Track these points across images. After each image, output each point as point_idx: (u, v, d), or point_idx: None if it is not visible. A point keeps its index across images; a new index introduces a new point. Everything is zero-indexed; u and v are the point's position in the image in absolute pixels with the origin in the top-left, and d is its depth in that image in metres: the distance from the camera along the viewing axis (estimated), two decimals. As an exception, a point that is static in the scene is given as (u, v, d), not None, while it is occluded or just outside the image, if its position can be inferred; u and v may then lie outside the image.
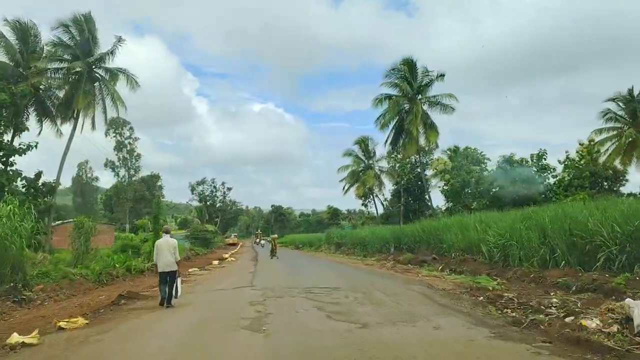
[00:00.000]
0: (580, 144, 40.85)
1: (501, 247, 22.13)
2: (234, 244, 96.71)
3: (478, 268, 21.81)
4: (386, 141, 47.39)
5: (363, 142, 58.59)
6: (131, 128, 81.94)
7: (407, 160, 55.37)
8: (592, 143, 40.23)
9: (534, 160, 39.89)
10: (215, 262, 36.34)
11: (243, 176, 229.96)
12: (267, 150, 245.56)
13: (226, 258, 44.74)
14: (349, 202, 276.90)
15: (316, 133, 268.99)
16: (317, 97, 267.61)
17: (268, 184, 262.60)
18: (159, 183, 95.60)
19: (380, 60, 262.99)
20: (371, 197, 76.57)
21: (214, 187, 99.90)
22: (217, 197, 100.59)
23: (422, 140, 44.69)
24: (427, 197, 70.94)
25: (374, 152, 59.70)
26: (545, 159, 39.48)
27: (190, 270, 27.64)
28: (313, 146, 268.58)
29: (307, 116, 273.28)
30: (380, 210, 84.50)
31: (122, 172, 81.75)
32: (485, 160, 44.42)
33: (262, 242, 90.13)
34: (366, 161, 59.68)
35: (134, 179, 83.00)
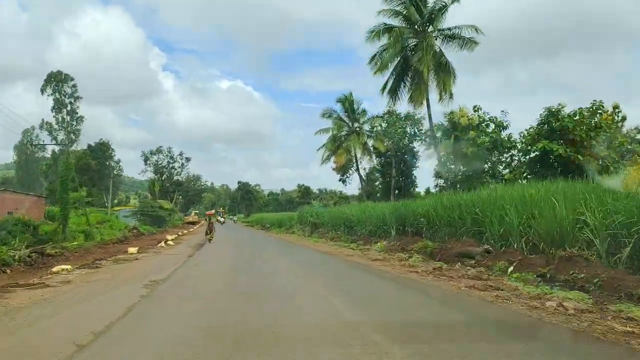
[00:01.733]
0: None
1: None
2: (193, 223, 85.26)
3: (612, 277, 10.87)
4: (384, 88, 36.03)
5: (347, 101, 46.56)
6: (74, 85, 68.97)
7: (405, 117, 44.36)
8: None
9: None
10: (160, 245, 25.51)
11: (212, 154, 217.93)
12: (237, 128, 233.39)
13: (167, 240, 33.56)
14: (321, 181, 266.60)
15: (288, 113, 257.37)
16: (289, 76, 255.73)
17: (238, 162, 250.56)
18: (110, 153, 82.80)
19: (356, 39, 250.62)
20: (351, 170, 65.80)
21: (171, 157, 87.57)
22: (175, 169, 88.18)
23: (433, 88, 33.38)
24: (413, 174, 60.84)
25: (360, 113, 47.78)
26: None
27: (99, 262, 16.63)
28: (284, 126, 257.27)
29: (278, 95, 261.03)
30: (358, 187, 74.21)
31: (61, 136, 68.72)
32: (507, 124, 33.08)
33: (221, 219, 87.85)
34: (350, 124, 47.89)
35: (76, 145, 70.13)
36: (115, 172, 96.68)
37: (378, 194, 64.98)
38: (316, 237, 37.15)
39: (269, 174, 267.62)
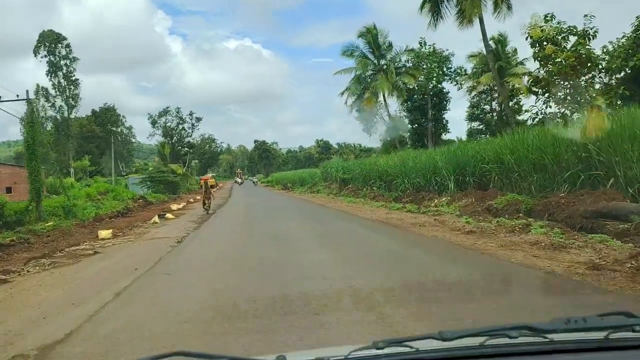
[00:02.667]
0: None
1: None
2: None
3: None
4: (423, 4, 29.00)
5: (370, 34, 38.94)
6: (68, 45, 62.52)
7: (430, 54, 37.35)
8: None
9: None
10: (153, 221, 19.65)
11: (227, 116, 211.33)
12: (250, 88, 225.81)
13: (169, 211, 28.09)
14: (340, 135, 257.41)
15: (299, 69, 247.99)
16: (298, 31, 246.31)
17: (253, 123, 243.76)
18: (116, 118, 76.81)
19: None
20: (376, 118, 59.25)
21: (180, 118, 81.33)
22: (185, 131, 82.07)
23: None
24: (445, 119, 54.22)
25: (386, 48, 40.32)
26: None
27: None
28: (297, 83, 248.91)
29: (288, 52, 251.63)
30: (380, 138, 67.71)
31: (60, 102, 62.82)
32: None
33: (239, 180, 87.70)
34: (376, 61, 40.77)
35: (76, 111, 64.22)
36: (124, 139, 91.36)
37: (408, 143, 58.62)
38: (348, 196, 31.19)
39: (286, 132, 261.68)
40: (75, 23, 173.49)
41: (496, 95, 51.79)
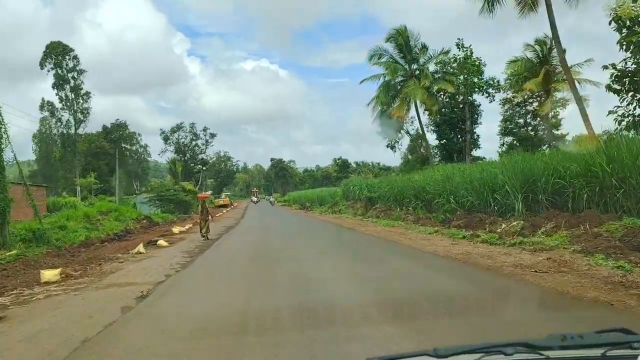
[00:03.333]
0: None
1: None
2: (224, 206, 75.79)
3: None
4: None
5: (400, 37, 34.21)
6: (76, 57, 59.16)
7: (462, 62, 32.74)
8: None
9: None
10: (138, 249, 15.22)
11: (244, 136, 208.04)
12: (267, 108, 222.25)
13: (175, 234, 24.00)
14: (357, 154, 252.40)
15: (315, 89, 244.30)
16: (314, 52, 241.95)
17: (270, 142, 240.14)
18: (126, 133, 73.13)
19: (380, 9, 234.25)
20: (401, 133, 54.89)
21: (194, 134, 77.38)
22: (199, 147, 77.98)
23: None
24: (476, 133, 49.78)
25: (419, 51, 35.55)
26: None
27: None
28: (313, 102, 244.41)
29: (304, 72, 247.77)
30: (403, 153, 63.21)
31: (66, 117, 59.28)
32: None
33: (255, 198, 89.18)
34: (407, 66, 36.19)
35: (84, 126, 60.57)
36: (139, 157, 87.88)
37: (437, 159, 54.12)
38: (380, 218, 26.68)
39: (303, 152, 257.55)
40: (95, 45, 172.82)
41: (536, 105, 47.29)
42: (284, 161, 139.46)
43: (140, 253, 14.58)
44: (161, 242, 17.94)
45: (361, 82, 35.34)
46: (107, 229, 30.12)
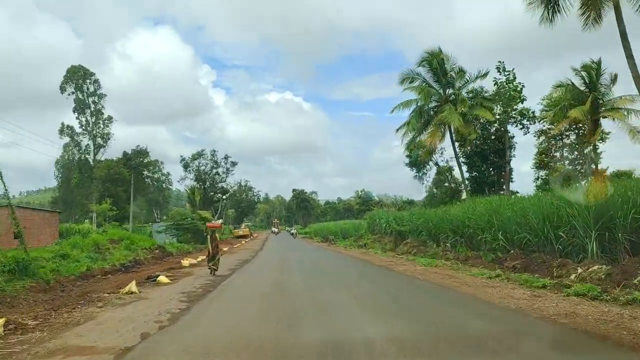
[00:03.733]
0: None
1: None
2: (244, 236, 73.23)
3: None
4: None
5: (435, 60, 31.36)
6: (96, 81, 57.98)
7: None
8: None
9: None
10: (129, 287, 12.58)
11: (267, 167, 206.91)
12: (290, 140, 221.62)
13: (183, 267, 21.52)
14: (378, 187, 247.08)
15: (339, 122, 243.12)
16: (337, 85, 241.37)
17: (293, 174, 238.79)
18: (149, 162, 71.51)
19: (402, 43, 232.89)
20: (429, 165, 52.39)
21: (215, 161, 75.31)
22: (219, 175, 75.68)
23: None
24: (510, 166, 46.85)
25: (456, 75, 32.56)
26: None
27: None
28: (336, 135, 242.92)
29: (328, 105, 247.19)
30: (430, 186, 60.10)
31: (86, 141, 57.78)
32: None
33: (275, 229, 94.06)
34: (442, 91, 33.35)
35: (103, 151, 58.99)
36: (160, 185, 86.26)
37: (468, 190, 51.07)
38: (414, 254, 23.74)
39: (325, 184, 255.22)
40: (123, 75, 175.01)
41: (574, 137, 44.26)
42: (306, 192, 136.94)
43: (131, 293, 11.89)
44: (162, 278, 15.23)
45: (392, 111, 32.70)
46: (115, 259, 27.69)
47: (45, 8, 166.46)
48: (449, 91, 32.00)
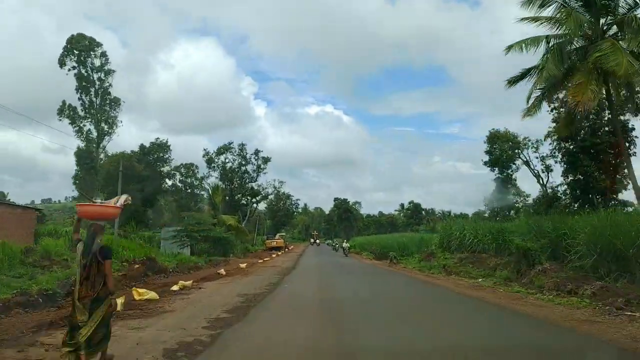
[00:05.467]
0: None
1: None
2: (277, 248, 61.41)
3: None
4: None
5: None
6: (104, 54, 47.39)
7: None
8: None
9: None
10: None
11: (305, 180, 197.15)
12: (329, 153, 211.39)
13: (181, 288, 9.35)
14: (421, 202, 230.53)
15: (379, 137, 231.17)
16: (378, 99, 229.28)
17: (331, 187, 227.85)
18: (169, 157, 60.45)
19: (445, 58, 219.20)
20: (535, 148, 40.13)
21: (244, 157, 63.06)
22: (249, 174, 63.21)
23: None
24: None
25: None
26: None
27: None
28: (377, 150, 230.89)
29: (369, 119, 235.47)
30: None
31: (88, 126, 47.10)
32: None
33: (317, 241, 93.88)
34: (593, 18, 19.29)
35: (109, 139, 48.11)
36: (191, 188, 75.41)
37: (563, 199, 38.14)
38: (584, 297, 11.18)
39: (364, 198, 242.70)
40: (165, 85, 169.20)
41: None
42: (349, 202, 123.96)
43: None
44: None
45: (507, 50, 19.61)
46: (50, 279, 16.42)
47: (91, 17, 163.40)
48: (609, 18, 19.14)
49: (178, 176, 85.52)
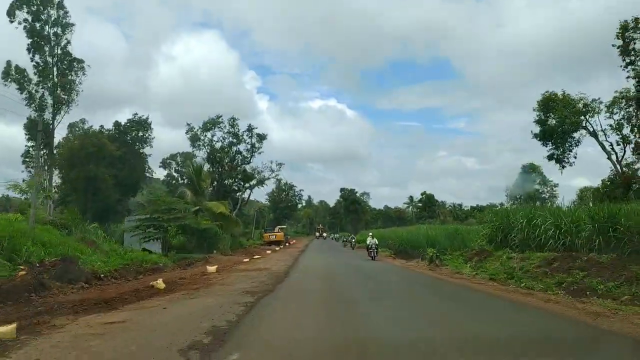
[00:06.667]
0: None
1: None
2: (277, 242, 52.54)
3: None
4: None
5: None
6: (61, 6, 38.15)
7: None
8: None
9: None
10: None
11: (309, 174, 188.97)
12: (333, 148, 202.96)
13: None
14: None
15: (384, 131, 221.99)
16: (382, 93, 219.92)
17: (335, 182, 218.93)
18: (149, 136, 51.23)
19: (449, 52, 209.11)
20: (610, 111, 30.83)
21: (235, 134, 52.91)
22: (241, 154, 52.84)
23: None
24: None
25: None
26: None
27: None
28: (381, 144, 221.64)
29: (373, 113, 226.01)
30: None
31: (41, 92, 37.91)
32: None
33: (323, 234, 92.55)
34: None
35: (67, 109, 38.90)
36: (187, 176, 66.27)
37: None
38: None
39: (369, 193, 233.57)
40: (168, 78, 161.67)
41: None
42: (356, 192, 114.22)
43: None
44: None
45: None
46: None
47: (93, 10, 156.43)
48: None
49: (174, 165, 76.80)
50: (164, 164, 72.28)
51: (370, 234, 33.61)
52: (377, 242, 29.86)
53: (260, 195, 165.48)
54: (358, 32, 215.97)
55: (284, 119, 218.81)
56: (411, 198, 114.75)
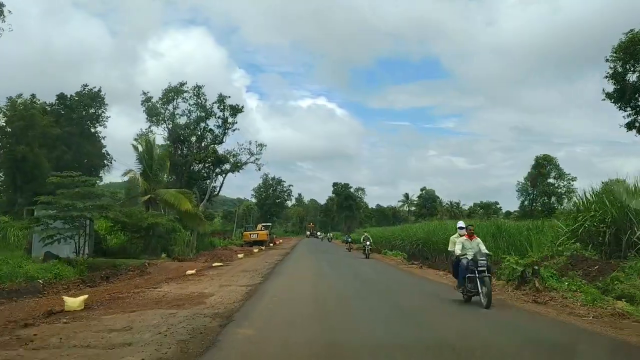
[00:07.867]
0: None
1: None
2: (259, 242, 43.07)
3: None
4: None
5: None
6: None
7: None
8: None
9: None
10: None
11: (299, 173, 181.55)
12: (323, 147, 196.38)
13: None
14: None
15: (374, 130, 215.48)
16: (373, 91, 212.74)
17: (325, 181, 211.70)
18: (102, 113, 41.32)
19: (440, 50, 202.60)
20: None
21: (202, 106, 39.39)
22: (213, 133, 41.27)
23: None
24: None
25: None
26: None
27: None
28: (371, 143, 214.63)
29: (363, 112, 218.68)
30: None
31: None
32: None
33: (317, 233, 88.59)
34: None
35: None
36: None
37: None
38: None
39: (364, 189, 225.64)
40: (156, 76, 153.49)
41: None
42: (351, 187, 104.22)
43: None
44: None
45: None
46: None
47: (78, 5, 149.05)
48: None
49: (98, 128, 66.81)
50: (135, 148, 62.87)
51: (365, 234, 32.26)
52: (371, 241, 29.32)
53: (246, 191, 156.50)
54: (349, 30, 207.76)
55: (273, 117, 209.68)
56: (407, 195, 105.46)
